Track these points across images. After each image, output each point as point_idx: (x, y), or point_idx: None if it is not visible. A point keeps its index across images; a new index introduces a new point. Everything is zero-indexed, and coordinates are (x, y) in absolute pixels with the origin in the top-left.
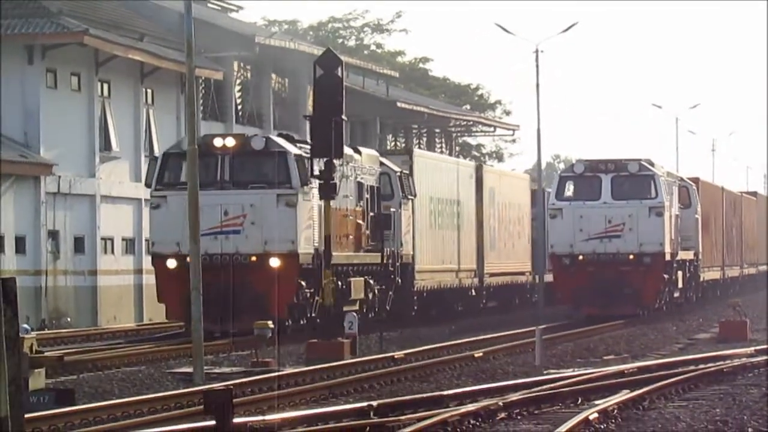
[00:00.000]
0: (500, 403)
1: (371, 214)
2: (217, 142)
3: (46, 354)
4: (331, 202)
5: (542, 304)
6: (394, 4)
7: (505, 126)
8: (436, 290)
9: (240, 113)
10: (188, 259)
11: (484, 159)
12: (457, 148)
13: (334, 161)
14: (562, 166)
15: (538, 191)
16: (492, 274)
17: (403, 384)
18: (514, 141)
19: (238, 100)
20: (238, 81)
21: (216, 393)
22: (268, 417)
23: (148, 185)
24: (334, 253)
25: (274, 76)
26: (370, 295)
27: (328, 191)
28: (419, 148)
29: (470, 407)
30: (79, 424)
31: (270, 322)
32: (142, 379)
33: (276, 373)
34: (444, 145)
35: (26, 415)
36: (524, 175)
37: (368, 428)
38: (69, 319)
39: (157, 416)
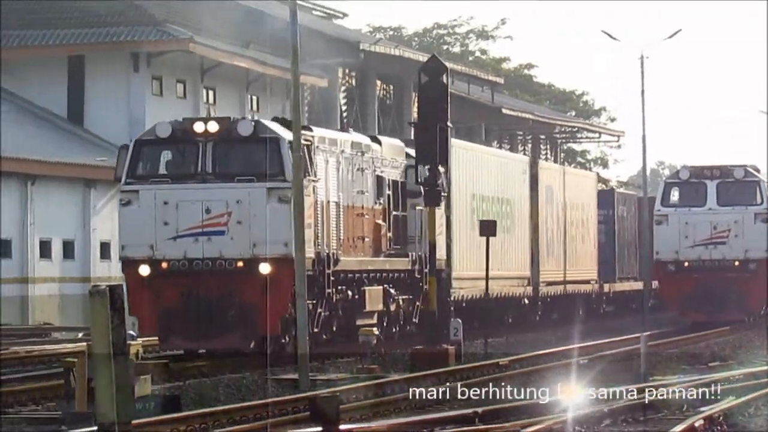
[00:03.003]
0: (605, 410)
1: (394, 213)
2: (198, 126)
3: (151, 361)
4: (343, 198)
5: (646, 310)
6: (499, 9)
7: (610, 132)
8: (480, 300)
9: (345, 120)
10: (164, 264)
11: (589, 165)
12: (562, 155)
13: (344, 149)
14: (666, 172)
15: (643, 198)
16: (549, 283)
17: (509, 390)
18: (619, 147)
19: (343, 107)
20: (342, 88)
21: (323, 399)
22: (373, 423)
23: (117, 179)
24: (344, 258)
25: (378, 82)
26: (392, 307)
27: (432, 198)
28: (524, 154)
29: (575, 414)
30: (184, 430)
31: (375, 329)
32: (247, 385)
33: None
34: (549, 152)
35: (133, 422)
36: (590, 172)
37: None
38: None
39: (262, 422)
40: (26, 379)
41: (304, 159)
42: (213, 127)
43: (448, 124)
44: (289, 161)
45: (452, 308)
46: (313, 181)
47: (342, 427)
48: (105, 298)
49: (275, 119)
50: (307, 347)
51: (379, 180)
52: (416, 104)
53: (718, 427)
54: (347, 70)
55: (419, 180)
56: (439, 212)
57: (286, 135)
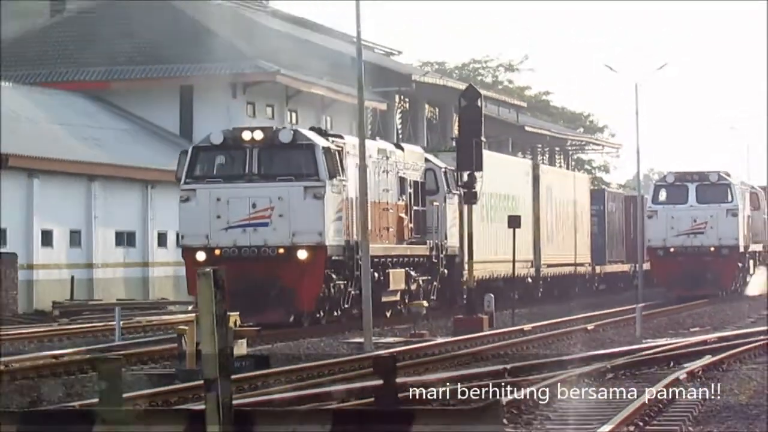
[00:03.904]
0: (608, 366)
1: (415, 208)
2: (246, 135)
3: (246, 328)
4: (369, 196)
5: (641, 286)
6: (522, 47)
7: (611, 145)
8: (488, 280)
9: (400, 136)
10: (217, 251)
11: (594, 172)
12: (573, 163)
13: (371, 154)
14: (656, 176)
15: (637, 198)
16: (549, 265)
17: (531, 351)
18: (618, 156)
19: (399, 126)
20: (398, 110)
21: (383, 358)
22: (424, 377)
23: (178, 179)
24: (372, 245)
25: (427, 106)
26: (413, 286)
27: (469, 198)
28: (543, 163)
29: (584, 369)
30: (273, 383)
31: (425, 302)
32: (323, 347)
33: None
34: (563, 161)
35: (232, 377)
36: (584, 174)
37: (503, 386)
38: None
39: (335, 377)
40: (147, 342)
41: (335, 162)
42: (258, 135)
43: (482, 138)
44: (322, 164)
45: (464, 287)
46: (343, 181)
47: (398, 380)
48: (210, 278)
49: (312, 128)
50: (370, 317)
51: (402, 180)
52: (457, 123)
53: (698, 380)
54: (402, 96)
55: (459, 183)
56: (453, 207)
57: (320, 142)
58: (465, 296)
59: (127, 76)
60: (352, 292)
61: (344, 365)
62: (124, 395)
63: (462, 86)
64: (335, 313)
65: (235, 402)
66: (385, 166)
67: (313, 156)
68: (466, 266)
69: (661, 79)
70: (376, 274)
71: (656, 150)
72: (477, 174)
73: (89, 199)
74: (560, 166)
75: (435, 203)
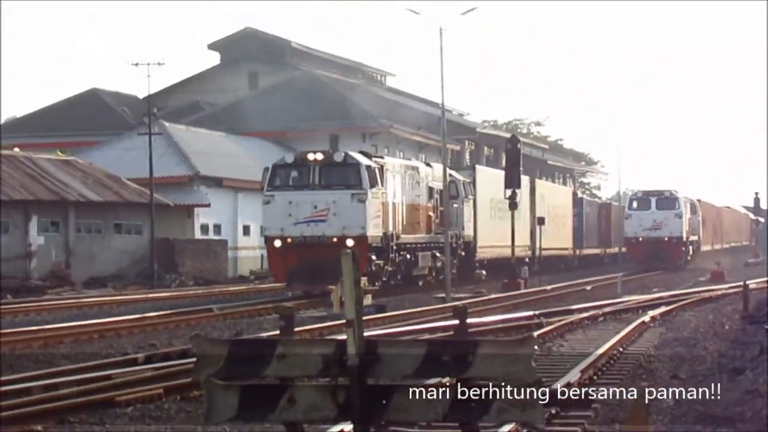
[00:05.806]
0: (600, 313)
1: (440, 209)
2: (310, 156)
3: (370, 287)
4: (404, 199)
5: (620, 262)
6: (546, 109)
7: (602, 172)
8: (496, 259)
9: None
10: (289, 240)
11: (591, 190)
12: (578, 184)
13: (406, 170)
14: (631, 193)
15: (618, 207)
16: (543, 249)
17: (551, 302)
18: (607, 180)
19: (468, 161)
20: (467, 150)
21: (459, 307)
22: (482, 319)
23: (261, 188)
24: (404, 236)
25: (485, 147)
26: (438, 264)
27: (512, 206)
28: (559, 184)
29: (584, 315)
30: (387, 320)
31: (483, 272)
32: (418, 300)
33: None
34: (571, 183)
35: (363, 318)
36: (568, 187)
37: (534, 325)
38: None
39: (427, 318)
40: (309, 296)
41: (375, 176)
42: (319, 156)
43: (521, 168)
44: (365, 177)
45: (477, 263)
46: (381, 189)
47: (468, 320)
48: (350, 256)
49: (360, 152)
50: (449, 280)
51: (430, 188)
52: (505, 159)
53: (658, 321)
54: (470, 142)
55: (505, 197)
56: (468, 208)
57: (364, 161)
58: (477, 269)
59: (297, 128)
60: (389, 269)
61: (433, 311)
62: (295, 329)
63: (508, 135)
64: (375, 284)
65: (364, 334)
66: (417, 179)
67: (358, 171)
68: (478, 249)
69: (636, 126)
70: (408, 256)
71: (632, 174)
72: (516, 191)
73: None
74: (569, 186)
75: (455, 205)
